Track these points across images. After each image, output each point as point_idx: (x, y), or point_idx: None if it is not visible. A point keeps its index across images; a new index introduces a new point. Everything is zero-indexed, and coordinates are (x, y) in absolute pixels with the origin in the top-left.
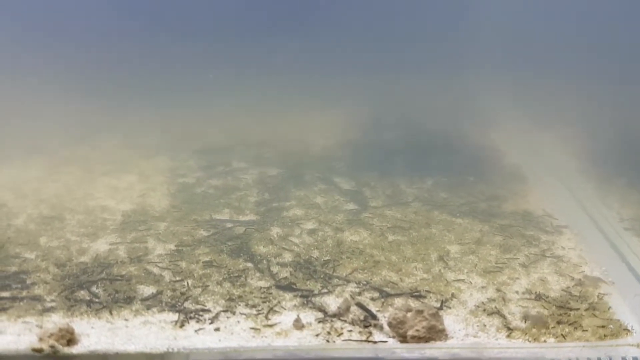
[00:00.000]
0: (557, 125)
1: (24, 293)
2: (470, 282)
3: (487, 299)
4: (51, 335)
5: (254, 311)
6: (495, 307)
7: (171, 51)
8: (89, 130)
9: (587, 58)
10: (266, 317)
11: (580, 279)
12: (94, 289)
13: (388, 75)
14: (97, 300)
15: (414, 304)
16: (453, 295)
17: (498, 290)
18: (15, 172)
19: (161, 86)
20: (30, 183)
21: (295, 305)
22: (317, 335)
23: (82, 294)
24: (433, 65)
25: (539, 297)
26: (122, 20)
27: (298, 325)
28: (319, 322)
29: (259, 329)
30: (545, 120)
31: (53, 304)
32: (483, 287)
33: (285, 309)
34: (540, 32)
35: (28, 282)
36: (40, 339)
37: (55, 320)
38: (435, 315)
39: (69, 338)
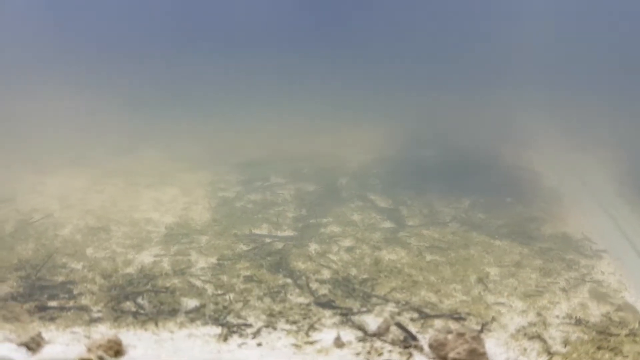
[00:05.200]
0: (595, 146)
1: (71, 303)
2: (511, 305)
3: (528, 322)
4: (100, 346)
5: (294, 327)
6: (536, 331)
7: (213, 65)
8: (130, 142)
9: (629, 79)
10: (307, 334)
11: (620, 304)
12: (139, 300)
13: (428, 92)
14: (142, 311)
15: (454, 326)
16: (493, 319)
17: (538, 314)
18: (61, 182)
19: (200, 99)
20: (75, 193)
21: (335, 323)
22: (357, 354)
23: (128, 305)
24: (472, 83)
25: (579, 322)
26: (167, 32)
27: (339, 343)
28: (359, 341)
29: (300, 346)
30: (583, 141)
31: (99, 315)
32: (523, 311)
33: (325, 327)
34: (582, 51)
35: (75, 292)
36: (89, 350)
37: (102, 331)
38: (477, 339)
39: (117, 349)
